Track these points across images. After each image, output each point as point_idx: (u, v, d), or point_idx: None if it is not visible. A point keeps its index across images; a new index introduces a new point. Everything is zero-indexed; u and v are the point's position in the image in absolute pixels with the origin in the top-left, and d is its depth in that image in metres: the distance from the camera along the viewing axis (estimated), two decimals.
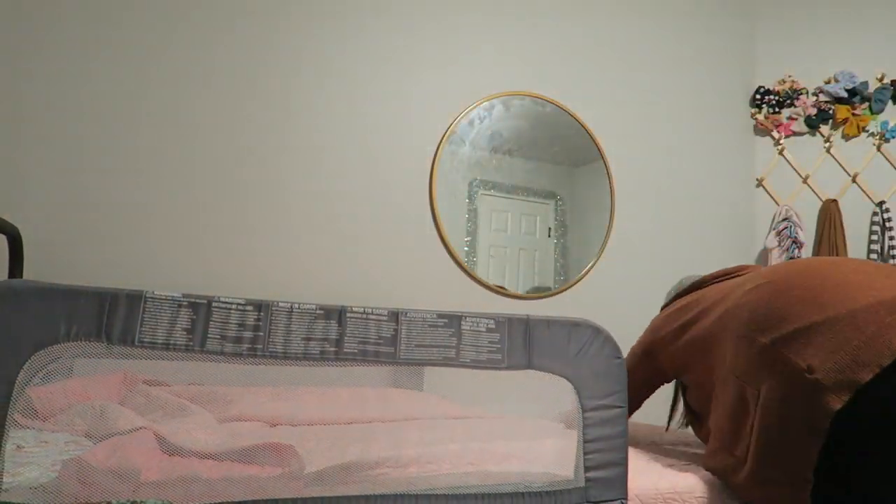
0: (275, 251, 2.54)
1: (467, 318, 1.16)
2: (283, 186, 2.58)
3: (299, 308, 1.00)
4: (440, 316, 1.13)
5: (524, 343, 1.20)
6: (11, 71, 2.19)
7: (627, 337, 3.19)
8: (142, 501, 0.92)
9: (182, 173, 2.42)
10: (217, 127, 2.49)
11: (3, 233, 1.76)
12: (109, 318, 0.90)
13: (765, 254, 3.64)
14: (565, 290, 3.13)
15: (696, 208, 3.58)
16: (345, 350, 1.02)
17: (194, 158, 2.44)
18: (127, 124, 2.35)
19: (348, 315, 1.03)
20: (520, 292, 3.03)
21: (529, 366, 1.20)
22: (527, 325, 1.21)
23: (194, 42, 2.48)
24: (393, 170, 2.81)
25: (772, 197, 3.74)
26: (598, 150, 3.28)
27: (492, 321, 1.18)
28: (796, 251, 3.49)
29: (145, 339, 0.90)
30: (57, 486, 0.94)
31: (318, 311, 1.01)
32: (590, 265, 3.21)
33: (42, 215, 2.19)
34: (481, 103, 3.02)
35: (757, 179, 3.77)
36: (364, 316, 1.05)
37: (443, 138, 2.92)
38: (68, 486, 0.93)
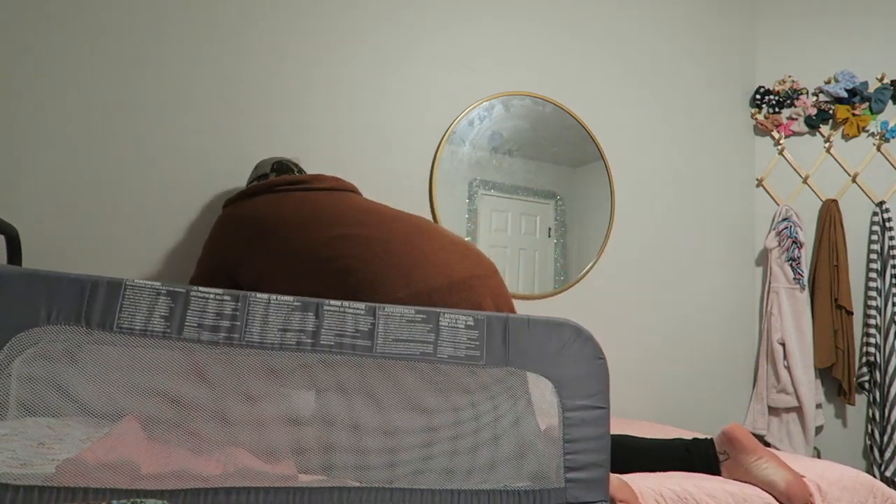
0: None
1: (446, 315, 1.18)
2: None
3: (276, 300, 1.02)
4: (418, 312, 1.15)
5: (503, 341, 1.21)
6: (8, 72, 2.23)
7: (628, 336, 3.22)
8: (141, 501, 0.94)
9: (182, 174, 2.45)
10: (215, 128, 2.52)
11: (2, 233, 1.78)
12: (90, 303, 0.93)
13: (765, 254, 3.64)
14: (565, 290, 3.14)
15: (696, 208, 3.58)
16: (321, 342, 1.05)
17: (194, 158, 2.47)
18: (125, 125, 2.38)
19: (325, 308, 1.06)
20: (520, 292, 3.04)
21: (509, 364, 1.22)
22: (506, 324, 1.23)
23: (185, 44, 2.50)
24: (393, 170, 2.82)
25: (772, 197, 3.73)
26: (598, 150, 3.28)
27: (470, 318, 1.20)
28: (796, 251, 3.49)
29: (124, 325, 0.93)
30: (55, 481, 0.95)
31: (294, 304, 1.03)
32: (590, 265, 3.21)
33: (41, 216, 2.22)
34: (481, 103, 3.03)
35: (757, 179, 3.77)
36: (341, 309, 1.07)
37: (443, 138, 2.93)
38: (64, 482, 0.95)
